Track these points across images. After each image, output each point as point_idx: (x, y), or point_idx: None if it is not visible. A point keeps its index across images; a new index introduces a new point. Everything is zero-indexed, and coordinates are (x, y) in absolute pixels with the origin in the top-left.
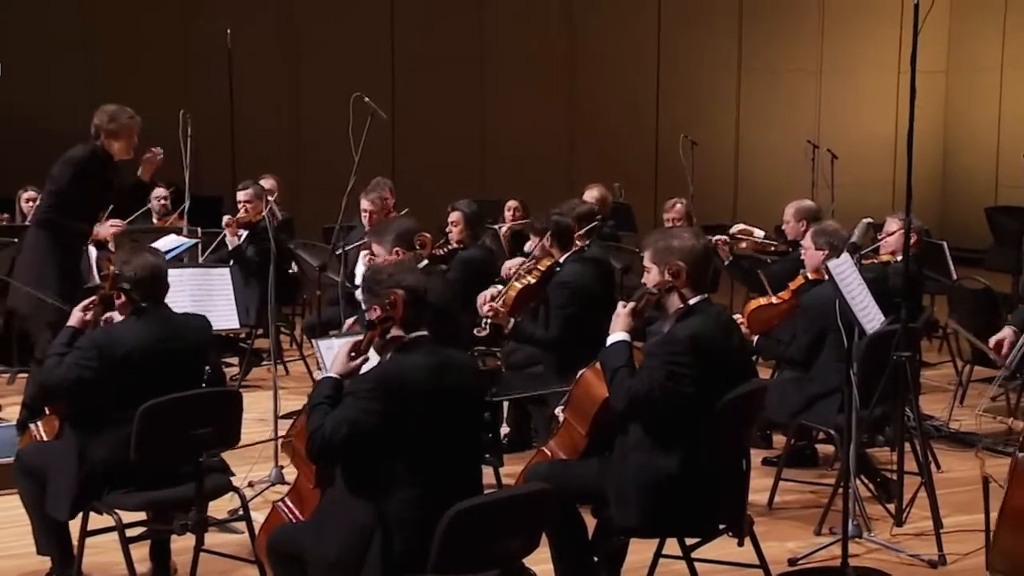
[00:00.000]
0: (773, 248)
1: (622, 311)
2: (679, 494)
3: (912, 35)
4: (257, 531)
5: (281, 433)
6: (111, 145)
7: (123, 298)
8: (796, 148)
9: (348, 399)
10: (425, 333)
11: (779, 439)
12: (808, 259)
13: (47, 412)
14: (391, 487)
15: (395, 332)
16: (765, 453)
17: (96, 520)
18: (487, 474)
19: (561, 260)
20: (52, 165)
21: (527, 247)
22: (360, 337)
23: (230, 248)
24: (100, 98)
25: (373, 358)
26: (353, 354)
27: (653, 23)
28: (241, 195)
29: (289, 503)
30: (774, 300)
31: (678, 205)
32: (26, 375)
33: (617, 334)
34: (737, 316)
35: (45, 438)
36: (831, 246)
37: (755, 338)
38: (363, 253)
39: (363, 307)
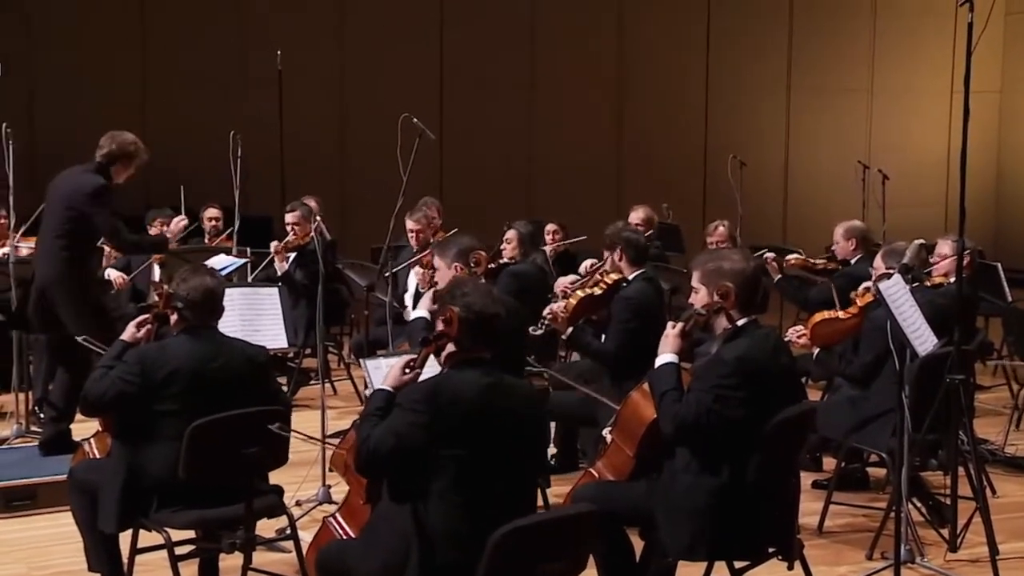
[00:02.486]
0: (822, 266)
1: (671, 332)
2: (728, 517)
3: (966, 54)
4: (306, 548)
5: (329, 452)
6: (121, 171)
7: (176, 316)
8: (846, 168)
9: (396, 411)
10: (485, 355)
11: (829, 461)
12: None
13: (99, 429)
14: (432, 499)
15: (450, 349)
16: (815, 476)
17: (146, 537)
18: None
19: (630, 277)
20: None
21: (583, 265)
22: (415, 355)
23: (279, 274)
24: (153, 120)
25: (428, 372)
26: (407, 369)
27: (702, 44)
28: (289, 217)
29: (340, 518)
30: (841, 315)
31: (720, 228)
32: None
33: (665, 355)
34: (799, 327)
35: (97, 455)
36: None
37: (815, 350)
38: (414, 271)
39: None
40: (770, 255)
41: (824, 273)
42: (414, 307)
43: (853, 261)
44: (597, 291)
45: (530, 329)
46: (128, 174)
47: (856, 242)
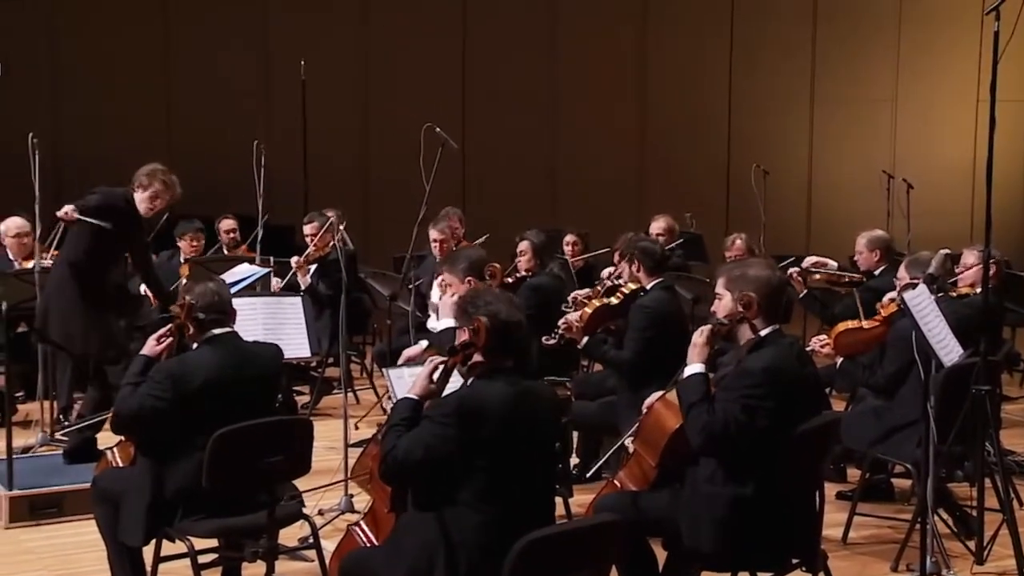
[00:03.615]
0: (847, 279)
1: (699, 340)
2: (752, 527)
3: (992, 63)
4: (329, 557)
5: (351, 461)
6: (136, 193)
7: (192, 329)
8: (871, 177)
9: (426, 423)
10: (508, 363)
11: (853, 472)
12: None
13: (122, 438)
14: (461, 510)
15: (477, 359)
16: (839, 486)
17: (169, 546)
18: (556, 504)
19: (648, 287)
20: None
21: (604, 273)
22: (445, 358)
23: (303, 288)
24: (178, 130)
25: (455, 382)
26: (435, 376)
27: (725, 52)
28: (307, 229)
29: (364, 527)
30: (865, 325)
31: (738, 241)
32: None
33: (694, 365)
34: (822, 337)
35: (121, 464)
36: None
37: (839, 360)
38: (437, 280)
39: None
40: (794, 270)
41: (848, 285)
42: (439, 316)
43: (877, 272)
44: (613, 301)
45: (543, 339)
46: (147, 205)
47: (880, 253)
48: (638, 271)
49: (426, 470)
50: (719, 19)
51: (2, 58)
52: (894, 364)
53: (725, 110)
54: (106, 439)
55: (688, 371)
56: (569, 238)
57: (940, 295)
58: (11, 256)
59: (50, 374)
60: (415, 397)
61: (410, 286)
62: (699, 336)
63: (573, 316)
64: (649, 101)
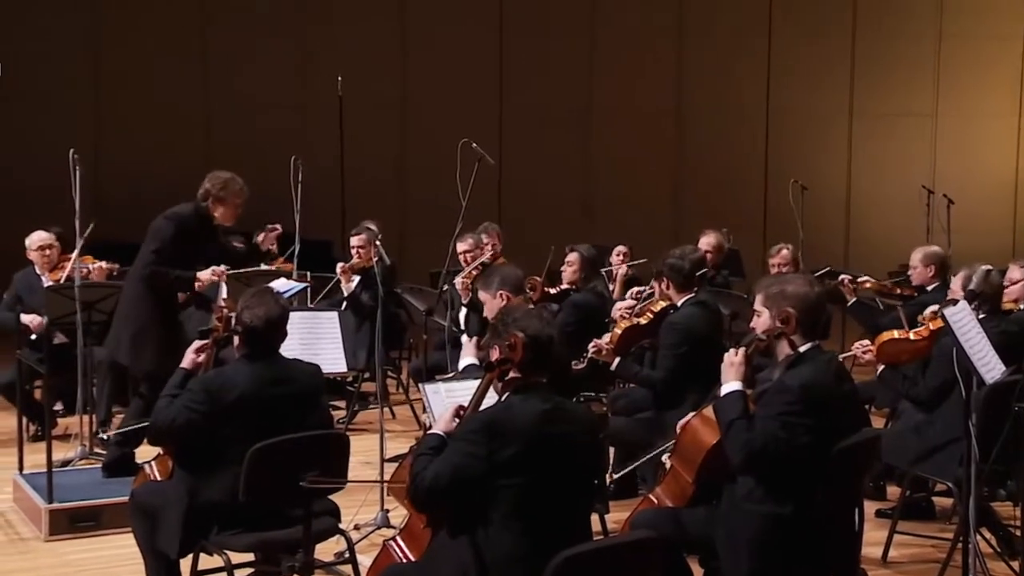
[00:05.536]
0: (898, 291)
1: (735, 359)
2: (790, 545)
3: None
4: (364, 572)
5: (387, 476)
6: (215, 209)
7: (239, 339)
8: (910, 193)
9: (454, 442)
10: (542, 379)
11: (893, 490)
12: None
13: (160, 452)
14: (493, 528)
15: (513, 375)
16: (879, 504)
17: (206, 560)
18: (592, 521)
19: (679, 303)
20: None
21: (627, 294)
22: (464, 403)
23: (345, 295)
24: (216, 147)
25: (489, 399)
26: (458, 418)
27: (763, 67)
28: (354, 240)
29: (400, 542)
30: (911, 336)
31: (784, 251)
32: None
33: (731, 383)
34: (865, 342)
35: (159, 478)
36: None
37: (880, 368)
38: (460, 284)
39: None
40: (846, 277)
41: (900, 298)
42: (466, 325)
43: (930, 288)
44: (642, 321)
45: (572, 363)
46: (226, 213)
47: (935, 269)
48: (668, 288)
49: (455, 492)
50: (757, 35)
51: (44, 76)
52: (937, 379)
53: (763, 125)
54: (145, 453)
55: (725, 389)
56: (620, 248)
57: (983, 316)
58: (38, 270)
59: (89, 387)
60: (441, 434)
61: (444, 288)
62: (734, 355)
63: (603, 339)
64: (686, 116)
